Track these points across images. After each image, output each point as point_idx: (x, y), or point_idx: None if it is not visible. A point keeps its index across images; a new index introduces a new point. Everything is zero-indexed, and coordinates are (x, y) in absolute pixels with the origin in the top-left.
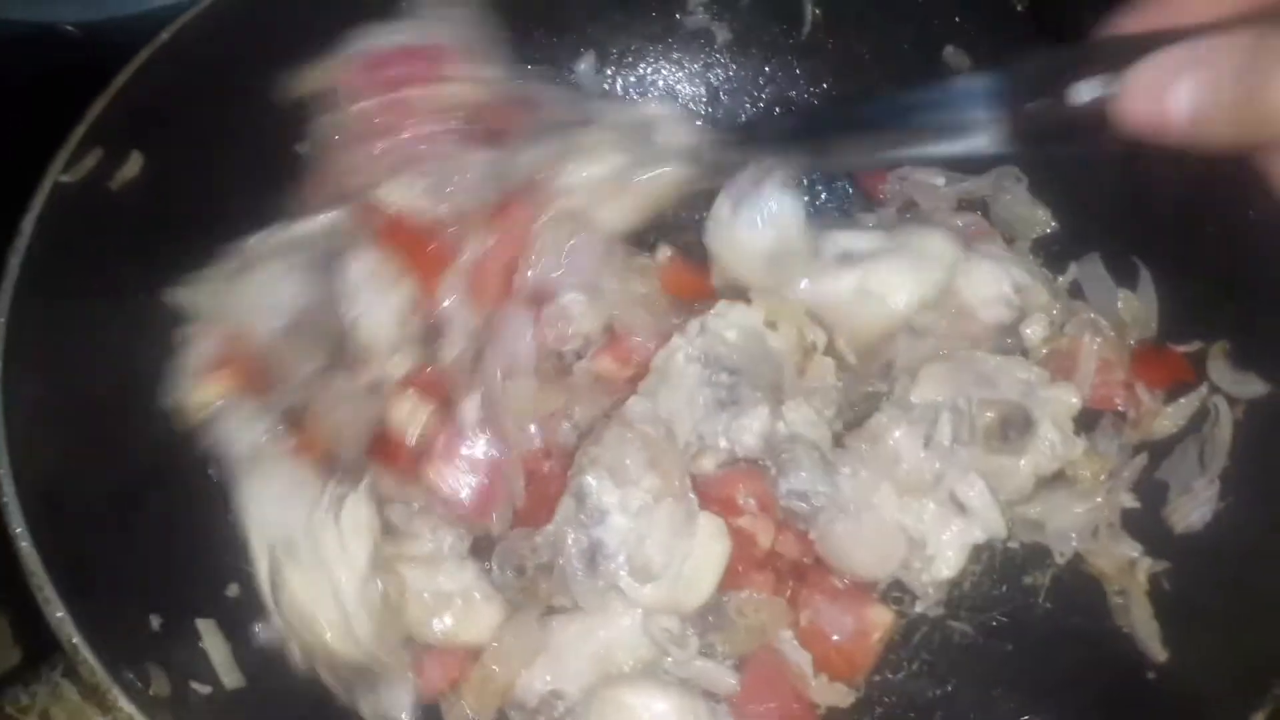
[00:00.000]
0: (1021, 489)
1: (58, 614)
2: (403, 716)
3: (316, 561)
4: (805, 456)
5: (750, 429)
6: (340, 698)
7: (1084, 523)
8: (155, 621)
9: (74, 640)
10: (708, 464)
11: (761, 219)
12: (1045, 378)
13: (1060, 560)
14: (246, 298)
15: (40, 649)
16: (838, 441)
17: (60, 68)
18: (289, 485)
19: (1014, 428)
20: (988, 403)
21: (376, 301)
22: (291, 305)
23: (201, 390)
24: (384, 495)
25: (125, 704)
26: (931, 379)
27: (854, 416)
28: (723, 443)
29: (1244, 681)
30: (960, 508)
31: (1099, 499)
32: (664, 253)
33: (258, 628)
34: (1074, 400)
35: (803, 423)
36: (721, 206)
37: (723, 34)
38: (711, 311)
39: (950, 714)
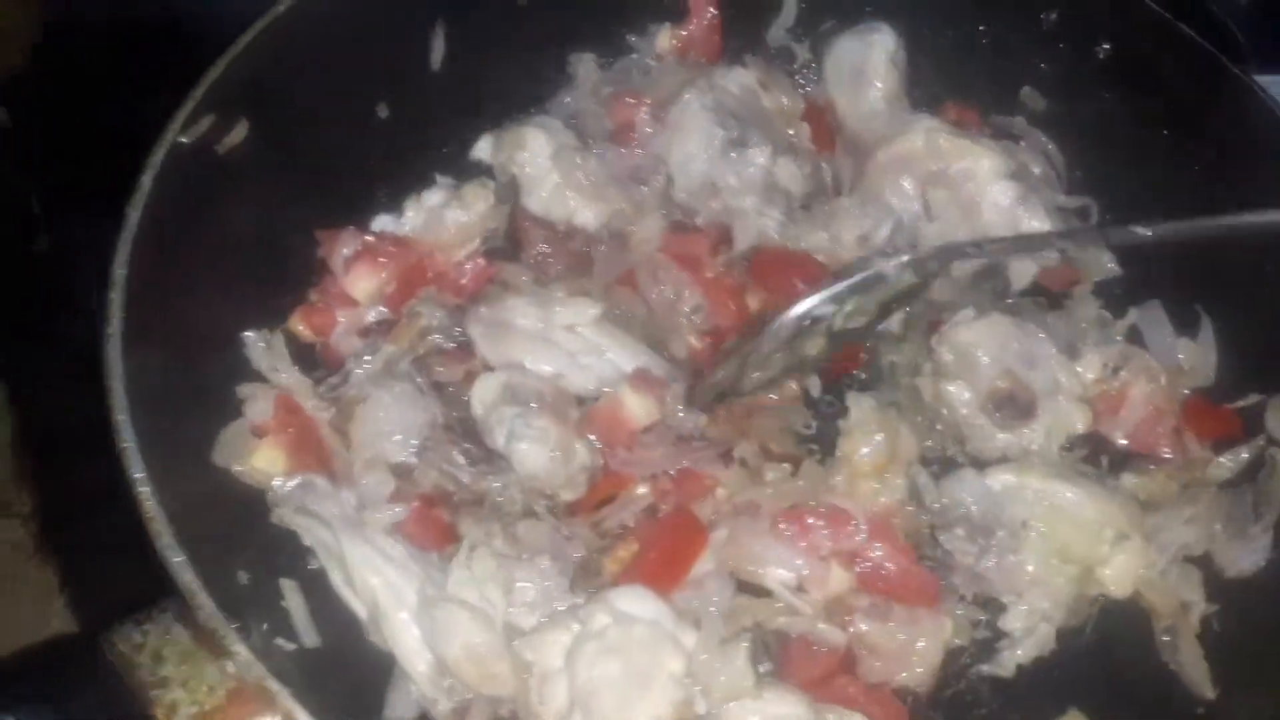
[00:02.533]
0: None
1: (176, 559)
2: None
3: (467, 610)
4: None
5: (756, 162)
6: None
7: (1190, 535)
8: (244, 577)
9: (192, 585)
10: (715, 206)
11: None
12: (1078, 390)
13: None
14: (373, 423)
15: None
16: None
17: (144, 25)
18: (396, 550)
19: (1013, 409)
20: (1010, 375)
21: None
22: (419, 427)
23: (256, 454)
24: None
25: (239, 647)
26: (983, 329)
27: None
28: (731, 180)
29: None
30: None
31: (1200, 506)
32: None
33: (392, 705)
34: (1079, 426)
35: (786, 176)
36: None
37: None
38: (715, 71)
39: None
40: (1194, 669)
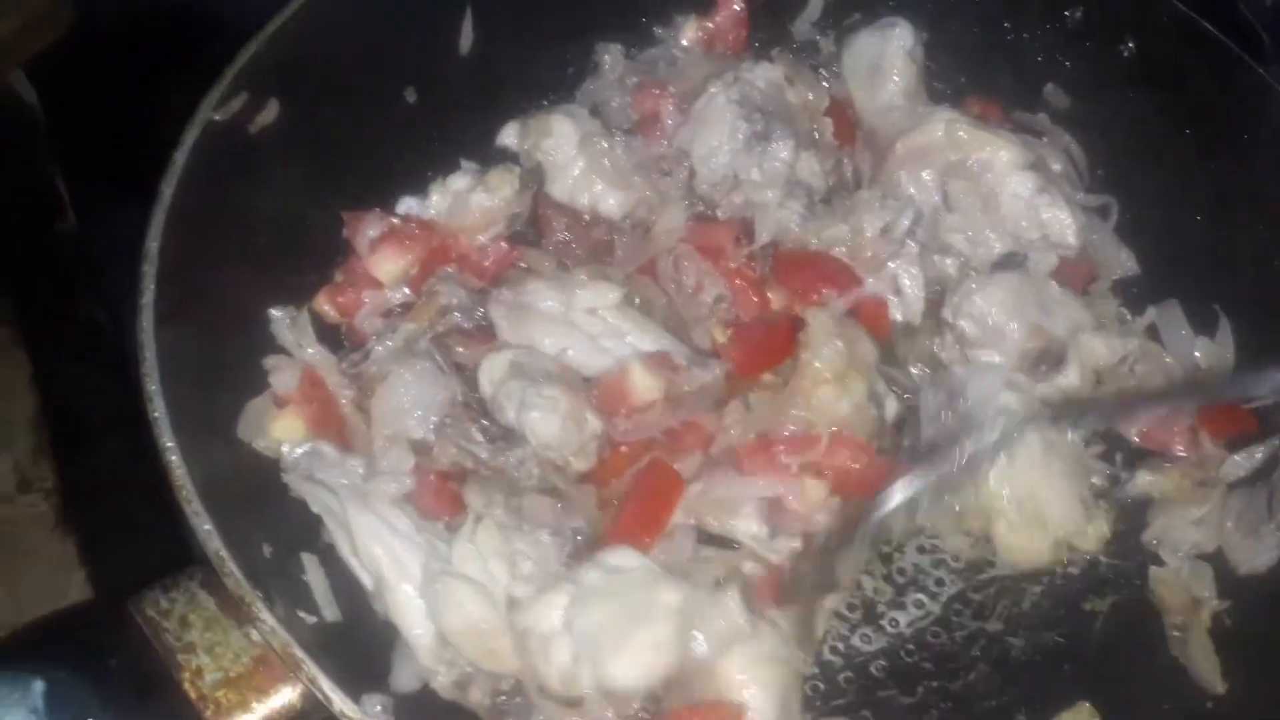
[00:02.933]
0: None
1: (205, 526)
2: None
3: (470, 585)
4: None
5: (780, 157)
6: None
7: (1200, 534)
8: (267, 550)
9: (220, 553)
10: (737, 199)
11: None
12: (1091, 322)
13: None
14: (393, 400)
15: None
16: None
17: (173, 9)
18: (402, 522)
19: (1048, 362)
20: (1036, 330)
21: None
22: (439, 404)
23: (277, 425)
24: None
25: (266, 616)
26: (994, 292)
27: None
28: (755, 174)
29: None
30: None
31: (1210, 505)
32: None
33: (396, 674)
34: (1105, 353)
35: (808, 170)
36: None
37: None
38: (742, 65)
39: None
40: (1204, 664)
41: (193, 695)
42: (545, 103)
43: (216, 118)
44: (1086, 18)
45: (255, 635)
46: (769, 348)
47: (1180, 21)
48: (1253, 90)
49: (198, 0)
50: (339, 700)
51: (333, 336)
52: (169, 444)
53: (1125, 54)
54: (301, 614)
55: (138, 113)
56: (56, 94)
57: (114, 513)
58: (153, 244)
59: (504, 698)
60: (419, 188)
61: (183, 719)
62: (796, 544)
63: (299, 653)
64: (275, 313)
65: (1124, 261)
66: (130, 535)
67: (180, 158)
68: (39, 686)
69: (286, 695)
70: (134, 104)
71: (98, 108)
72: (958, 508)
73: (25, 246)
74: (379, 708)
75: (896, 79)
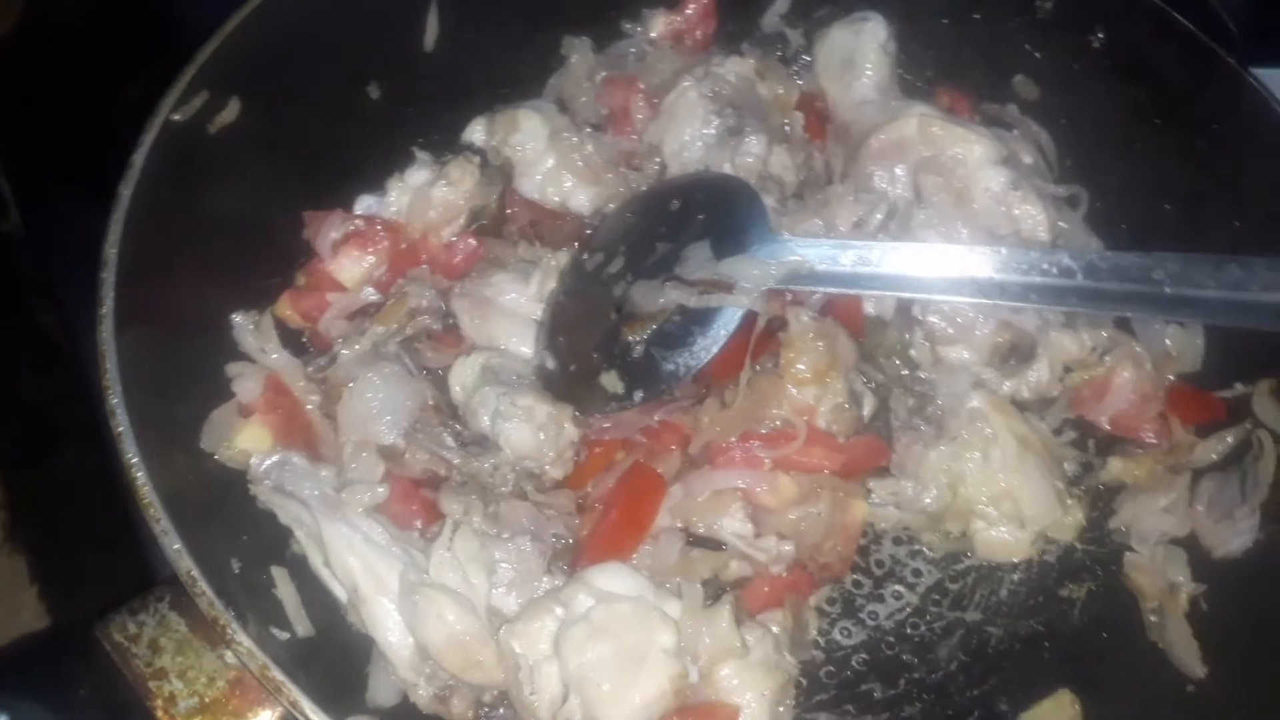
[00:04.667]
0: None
1: (175, 545)
2: None
3: (449, 596)
4: None
5: (753, 151)
6: None
7: (1168, 523)
8: (236, 565)
9: (191, 573)
10: None
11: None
12: (1060, 318)
13: (1106, 572)
14: (361, 406)
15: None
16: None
17: (125, 5)
18: (376, 532)
19: (1017, 356)
20: (1005, 326)
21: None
22: (408, 409)
23: (242, 434)
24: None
25: (242, 637)
26: None
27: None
28: (727, 168)
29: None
30: None
31: (1176, 493)
32: None
33: (373, 689)
34: (1074, 348)
35: (780, 165)
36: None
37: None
38: (712, 60)
39: (987, 714)
40: (1183, 648)
41: None
42: (512, 99)
43: (176, 118)
44: (1057, 8)
45: (230, 657)
46: (745, 348)
47: (1150, 12)
48: (1223, 80)
49: None
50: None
51: (296, 341)
52: (133, 459)
53: (1095, 45)
54: (274, 631)
55: (88, 110)
56: (2, 90)
57: (68, 528)
58: (111, 250)
59: (487, 709)
60: (378, 184)
61: None
62: (788, 548)
63: (278, 674)
64: (237, 318)
65: (1094, 249)
66: (85, 552)
67: (139, 159)
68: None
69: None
70: (84, 101)
71: (45, 104)
72: (935, 510)
73: None
74: None
75: (870, 73)
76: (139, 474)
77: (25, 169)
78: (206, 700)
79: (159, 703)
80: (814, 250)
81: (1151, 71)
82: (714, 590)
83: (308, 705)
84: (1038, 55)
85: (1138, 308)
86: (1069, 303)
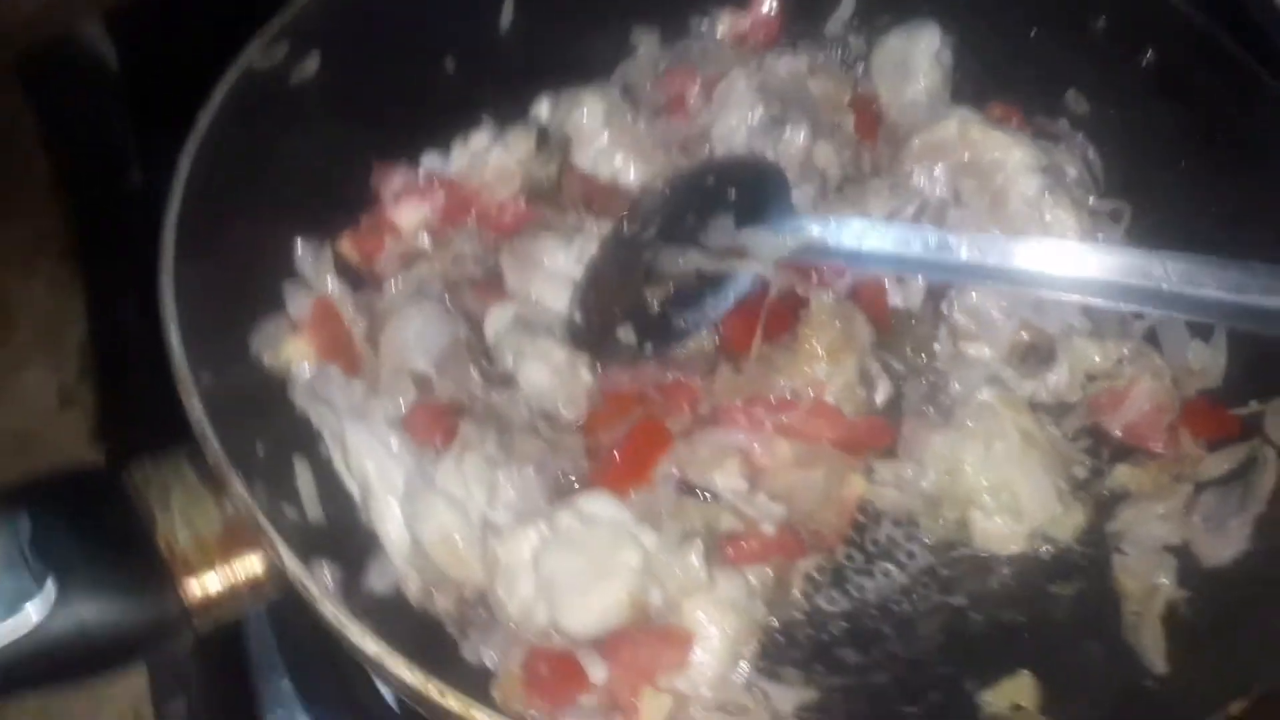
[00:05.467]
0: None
1: (193, 401)
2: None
3: (448, 500)
4: None
5: (795, 142)
6: (450, 630)
7: (1164, 529)
8: (261, 449)
9: (203, 425)
10: None
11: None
12: (1087, 326)
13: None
14: (400, 336)
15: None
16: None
17: None
18: (393, 441)
19: (1037, 356)
20: (1027, 326)
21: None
22: (442, 344)
23: (288, 345)
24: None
25: (238, 486)
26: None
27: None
28: (769, 155)
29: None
30: None
31: (1176, 502)
32: None
33: (369, 575)
34: (1098, 357)
35: (824, 158)
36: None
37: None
38: (767, 54)
39: (951, 694)
40: (1151, 645)
41: (164, 550)
42: (579, 81)
43: (257, 64)
44: (1109, 25)
45: (229, 508)
46: (763, 324)
47: (1199, 34)
48: (1269, 106)
49: None
50: (289, 560)
51: (351, 275)
52: (172, 326)
53: (1145, 64)
54: (285, 507)
55: (209, 68)
56: (135, 53)
57: (144, 434)
58: (184, 163)
59: (468, 607)
60: (444, 144)
61: (153, 570)
62: (779, 509)
63: (263, 521)
64: (300, 244)
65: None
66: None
67: (218, 95)
68: (25, 522)
69: (251, 562)
70: (210, 66)
71: (173, 69)
72: (933, 494)
73: (95, 196)
74: (326, 574)
75: (922, 79)
76: (174, 339)
77: (151, 126)
78: (201, 537)
79: (160, 533)
80: (827, 226)
81: (1198, 92)
82: (702, 537)
83: (282, 546)
84: (1089, 72)
85: (1137, 303)
86: (1071, 292)
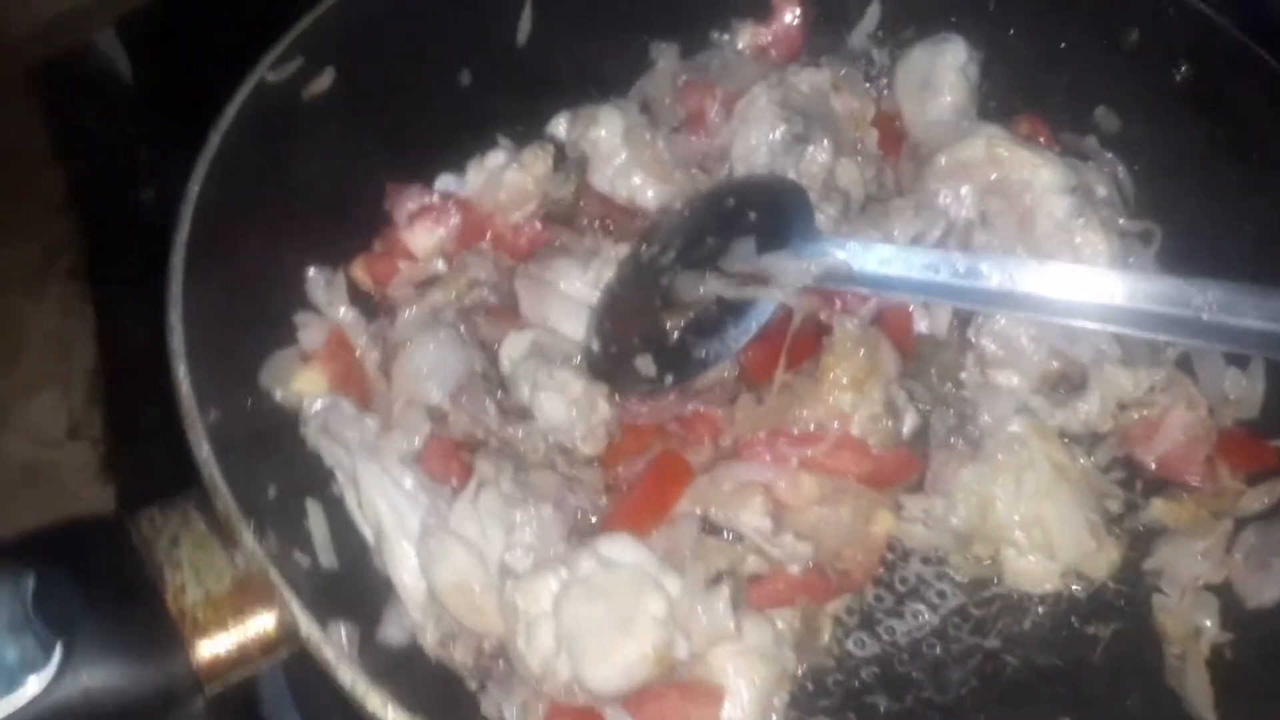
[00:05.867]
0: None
1: (202, 449)
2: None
3: (464, 544)
4: None
5: (817, 160)
6: (469, 684)
7: (1204, 568)
8: (272, 490)
9: (213, 475)
10: None
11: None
12: (1119, 353)
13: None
14: (414, 365)
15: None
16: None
17: None
18: (407, 479)
19: (1068, 385)
20: (1058, 354)
21: (551, 400)
22: (457, 374)
23: (300, 378)
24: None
25: (249, 539)
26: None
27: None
28: (791, 174)
29: None
30: None
31: (1216, 539)
32: None
33: (385, 625)
34: (1129, 385)
35: (847, 177)
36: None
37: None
38: (789, 68)
39: None
40: (1198, 694)
41: (173, 610)
42: (597, 96)
43: (270, 78)
44: (1142, 39)
45: (240, 560)
46: (786, 351)
47: (1235, 47)
48: None
49: None
50: (305, 622)
51: (365, 303)
52: (181, 369)
53: (1178, 78)
54: (297, 554)
55: (225, 90)
56: (149, 67)
57: (152, 466)
58: (194, 186)
59: (487, 659)
60: (459, 164)
61: (162, 631)
62: (806, 548)
63: (276, 577)
64: (312, 272)
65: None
66: (165, 489)
67: (231, 111)
68: (30, 581)
69: (263, 620)
70: (223, 81)
71: (187, 83)
72: (964, 531)
73: (106, 210)
74: (343, 634)
75: (947, 95)
76: (183, 384)
77: (164, 140)
78: (212, 594)
79: (170, 590)
80: (854, 251)
81: (1233, 107)
82: (728, 582)
83: (296, 605)
84: (1121, 87)
85: (1175, 333)
86: (1108, 322)
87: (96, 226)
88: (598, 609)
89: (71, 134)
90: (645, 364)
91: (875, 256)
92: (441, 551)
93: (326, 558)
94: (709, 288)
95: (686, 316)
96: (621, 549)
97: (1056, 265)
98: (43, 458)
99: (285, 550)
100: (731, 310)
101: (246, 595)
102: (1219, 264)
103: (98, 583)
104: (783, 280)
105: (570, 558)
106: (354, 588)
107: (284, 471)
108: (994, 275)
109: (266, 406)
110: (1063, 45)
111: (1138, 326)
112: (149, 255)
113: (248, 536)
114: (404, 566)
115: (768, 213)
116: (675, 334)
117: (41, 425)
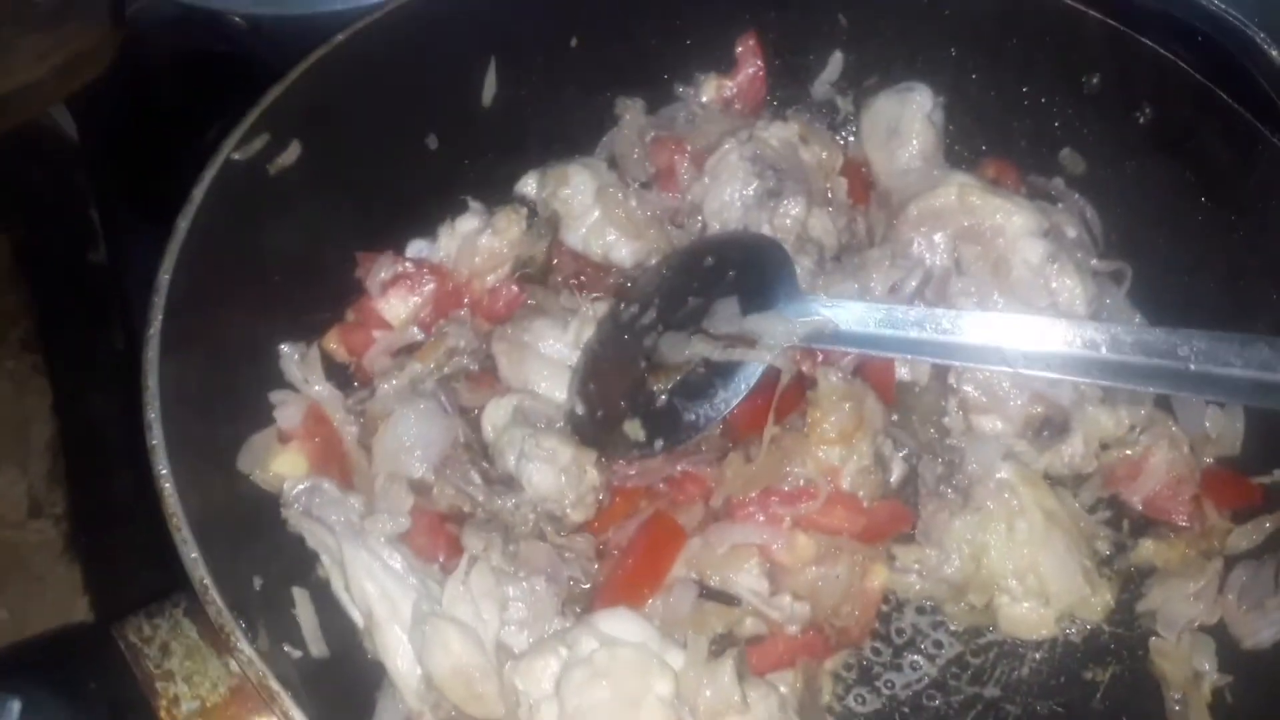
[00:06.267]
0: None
1: (192, 555)
2: None
3: (459, 628)
4: None
5: (791, 213)
6: None
7: (1197, 609)
8: (257, 582)
9: (204, 581)
10: None
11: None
12: (1098, 393)
13: (1124, 657)
14: (395, 439)
15: (162, 587)
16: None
17: (213, 54)
18: (396, 561)
19: (1051, 429)
20: (1039, 397)
21: (540, 469)
22: (440, 445)
23: (279, 459)
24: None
25: (244, 645)
26: None
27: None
28: (766, 229)
29: None
30: None
31: (1207, 579)
32: None
33: (380, 715)
34: (1111, 425)
35: (820, 228)
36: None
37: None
38: (757, 123)
39: None
40: None
41: None
42: (565, 156)
43: (236, 157)
44: (1104, 83)
45: (234, 666)
46: (769, 404)
47: (1196, 91)
48: (1269, 161)
49: (239, 44)
50: None
51: (340, 374)
52: (163, 471)
53: (1142, 121)
54: (287, 648)
55: (173, 150)
56: (95, 128)
57: (120, 542)
58: (164, 276)
59: None
60: (430, 230)
61: None
62: (804, 608)
63: (274, 685)
64: (285, 348)
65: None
66: (134, 564)
67: (198, 194)
68: (15, 706)
69: None
70: (170, 141)
71: (135, 143)
72: (958, 580)
73: (56, 275)
74: None
75: (915, 142)
76: (166, 485)
77: (114, 203)
78: (208, 704)
79: (163, 703)
80: (838, 310)
81: (1197, 149)
82: (726, 646)
83: (299, 716)
84: (1085, 130)
85: (1162, 384)
86: (1092, 375)
87: (46, 295)
88: (603, 691)
89: (14, 200)
90: (634, 429)
91: (860, 316)
92: (437, 638)
93: (317, 647)
94: (694, 350)
95: (673, 379)
96: (623, 626)
97: (1042, 319)
98: (3, 538)
99: (276, 646)
100: (720, 372)
101: (243, 703)
102: (1189, 301)
103: (88, 701)
104: (769, 342)
105: (570, 636)
106: (347, 675)
107: (268, 560)
108: (980, 331)
109: (246, 492)
110: (1025, 89)
111: (1126, 379)
112: (103, 321)
113: (244, 644)
114: (398, 654)
115: (748, 271)
116: (663, 397)
117: (1, 503)
